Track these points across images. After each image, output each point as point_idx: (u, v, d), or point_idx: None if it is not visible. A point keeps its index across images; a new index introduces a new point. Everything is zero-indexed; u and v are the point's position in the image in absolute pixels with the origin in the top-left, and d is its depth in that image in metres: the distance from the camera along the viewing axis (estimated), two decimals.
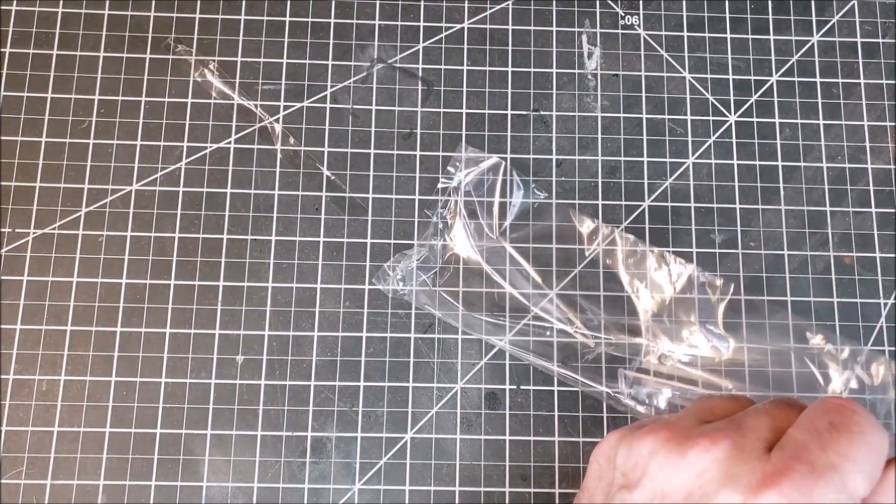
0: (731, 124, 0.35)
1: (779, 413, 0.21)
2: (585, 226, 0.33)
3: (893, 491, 0.19)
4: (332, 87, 0.35)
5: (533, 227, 0.34)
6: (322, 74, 0.35)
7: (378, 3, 0.36)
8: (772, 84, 0.36)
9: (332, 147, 0.35)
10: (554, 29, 0.36)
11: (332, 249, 0.34)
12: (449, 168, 0.34)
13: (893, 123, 0.36)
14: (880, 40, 0.37)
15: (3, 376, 0.32)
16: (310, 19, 0.36)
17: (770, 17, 0.37)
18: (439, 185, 0.34)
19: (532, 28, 0.36)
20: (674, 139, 0.35)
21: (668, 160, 0.35)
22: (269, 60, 0.35)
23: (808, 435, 0.19)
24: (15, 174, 0.34)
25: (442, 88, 0.35)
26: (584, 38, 0.36)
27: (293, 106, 0.35)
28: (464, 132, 0.35)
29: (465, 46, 0.36)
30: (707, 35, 0.36)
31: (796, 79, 0.36)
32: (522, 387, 0.32)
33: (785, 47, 0.36)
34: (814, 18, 0.37)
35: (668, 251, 0.34)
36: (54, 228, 0.33)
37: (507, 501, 0.31)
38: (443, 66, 0.36)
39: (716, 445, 0.19)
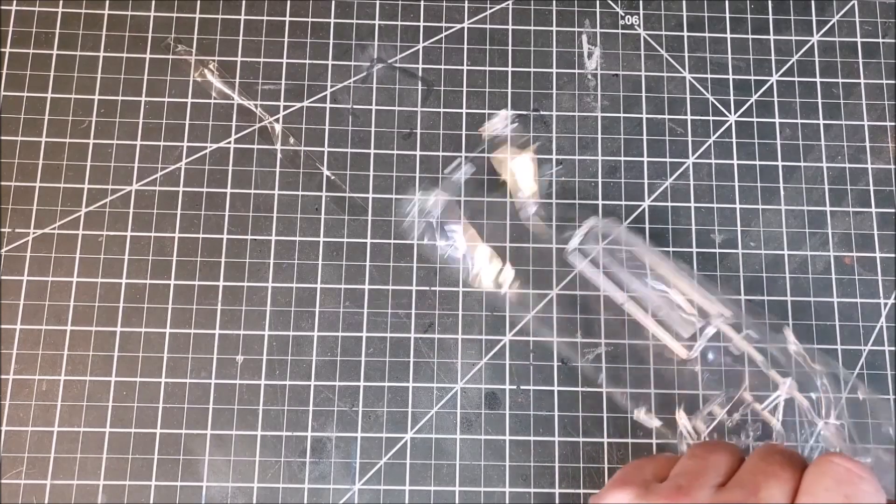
0: (731, 124, 0.35)
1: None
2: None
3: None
4: (332, 87, 0.35)
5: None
6: (322, 74, 0.35)
7: (378, 3, 0.36)
8: (772, 84, 0.36)
9: (332, 147, 0.35)
10: (554, 29, 0.36)
11: (332, 249, 0.33)
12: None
13: (893, 123, 0.36)
14: (880, 40, 0.37)
15: (3, 376, 0.32)
16: (310, 19, 0.36)
17: (770, 17, 0.37)
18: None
19: (532, 28, 0.36)
20: (674, 139, 0.35)
21: (668, 160, 0.35)
22: (269, 60, 0.35)
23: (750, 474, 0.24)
24: (15, 174, 0.34)
25: (442, 88, 0.35)
26: (584, 38, 0.36)
27: (293, 106, 0.35)
28: (464, 132, 0.35)
29: (465, 46, 0.36)
30: (707, 35, 0.36)
31: (796, 79, 0.36)
32: (522, 387, 0.32)
33: (785, 47, 0.36)
34: (814, 18, 0.37)
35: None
36: (54, 228, 0.33)
37: (507, 501, 0.31)
38: (443, 66, 0.36)
39: None
